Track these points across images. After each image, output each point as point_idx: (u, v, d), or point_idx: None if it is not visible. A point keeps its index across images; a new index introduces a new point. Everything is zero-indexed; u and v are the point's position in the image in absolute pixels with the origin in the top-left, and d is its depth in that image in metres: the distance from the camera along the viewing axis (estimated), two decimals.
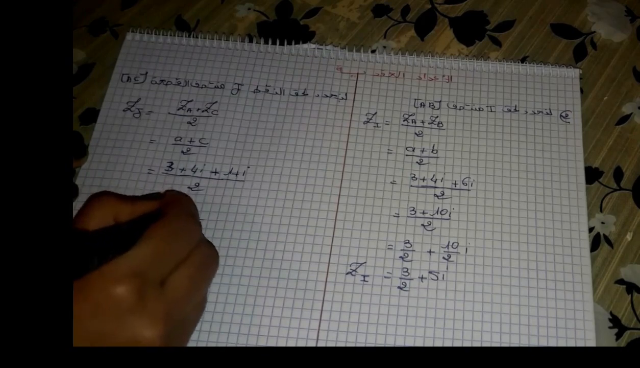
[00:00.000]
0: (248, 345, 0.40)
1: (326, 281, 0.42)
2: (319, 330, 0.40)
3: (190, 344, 0.40)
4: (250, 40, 0.52)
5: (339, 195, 0.45)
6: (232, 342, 0.40)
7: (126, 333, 0.31)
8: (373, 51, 0.52)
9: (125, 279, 0.31)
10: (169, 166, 0.46)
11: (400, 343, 0.40)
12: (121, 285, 0.31)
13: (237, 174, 0.46)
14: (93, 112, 0.49)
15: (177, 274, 0.33)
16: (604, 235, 0.45)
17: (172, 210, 0.35)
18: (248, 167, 0.46)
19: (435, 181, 0.46)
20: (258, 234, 0.43)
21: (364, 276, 0.42)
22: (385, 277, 0.42)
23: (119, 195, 0.37)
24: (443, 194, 0.45)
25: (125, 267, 0.31)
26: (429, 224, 0.44)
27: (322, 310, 0.41)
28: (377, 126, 0.48)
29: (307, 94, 0.49)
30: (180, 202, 0.37)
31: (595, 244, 0.44)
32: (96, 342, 0.31)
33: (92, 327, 0.31)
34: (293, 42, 0.52)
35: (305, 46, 0.52)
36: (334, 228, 0.44)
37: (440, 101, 0.49)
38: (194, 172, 0.46)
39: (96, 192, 0.37)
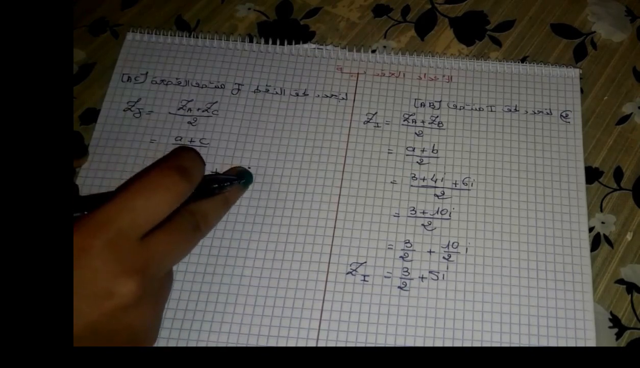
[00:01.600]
0: (248, 345, 0.40)
1: (326, 281, 0.42)
2: (319, 329, 0.40)
3: (190, 344, 0.40)
4: (251, 40, 0.52)
5: (339, 195, 0.45)
6: (232, 342, 0.40)
7: (100, 284, 0.31)
8: (373, 51, 0.52)
9: (93, 229, 0.31)
10: None
11: (400, 343, 0.40)
12: (89, 235, 0.31)
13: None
14: (93, 112, 0.49)
15: (158, 232, 0.33)
16: (604, 234, 0.45)
17: (158, 163, 0.35)
18: (248, 167, 0.46)
19: (435, 181, 0.46)
20: (258, 234, 0.43)
21: (364, 276, 0.42)
22: (385, 277, 0.42)
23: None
24: (443, 194, 0.45)
25: (95, 218, 0.31)
26: (429, 224, 0.44)
27: (322, 310, 0.41)
28: (378, 126, 0.48)
29: (307, 94, 0.49)
30: (173, 154, 0.36)
31: (595, 244, 0.44)
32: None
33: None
34: (293, 42, 0.52)
35: (306, 45, 0.52)
36: (334, 227, 0.44)
37: (440, 101, 0.49)
38: None
39: None
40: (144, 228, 0.33)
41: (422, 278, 0.42)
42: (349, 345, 0.40)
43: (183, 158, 0.36)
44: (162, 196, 0.33)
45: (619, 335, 0.41)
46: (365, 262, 0.43)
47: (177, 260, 0.36)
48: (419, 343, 0.40)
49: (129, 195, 0.32)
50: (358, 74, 0.50)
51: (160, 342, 0.40)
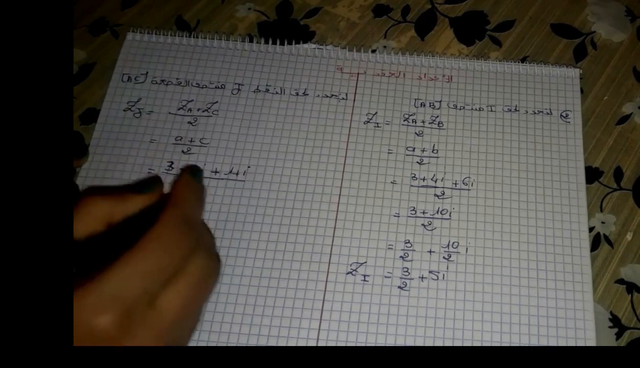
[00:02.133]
0: (248, 345, 0.40)
1: (326, 281, 0.42)
2: (319, 329, 0.40)
3: (191, 344, 0.40)
4: (251, 40, 0.52)
5: (340, 195, 0.45)
6: (233, 341, 0.40)
7: None
8: (373, 51, 0.52)
9: (104, 307, 0.27)
10: (170, 166, 0.46)
11: (400, 343, 0.40)
12: (100, 316, 0.27)
13: (237, 174, 0.46)
14: (93, 112, 0.49)
15: (169, 291, 0.29)
16: (604, 234, 0.45)
17: (165, 215, 0.30)
18: (248, 167, 0.46)
19: (435, 181, 0.46)
20: (258, 234, 0.43)
21: (364, 276, 0.42)
22: (385, 277, 0.42)
23: (108, 193, 0.31)
24: (443, 194, 0.45)
25: (104, 292, 0.27)
26: (429, 224, 0.44)
27: (322, 310, 0.41)
28: (378, 126, 0.48)
29: (307, 94, 0.49)
30: (178, 201, 0.31)
31: (595, 244, 0.44)
32: None
33: None
34: (293, 42, 0.52)
35: (306, 45, 0.52)
36: (335, 227, 0.44)
37: (440, 101, 0.49)
38: None
39: (83, 190, 0.32)
40: (156, 292, 0.29)
41: (422, 278, 0.42)
42: (349, 344, 0.40)
43: (187, 201, 0.31)
44: (174, 253, 0.29)
45: (619, 335, 0.41)
46: (366, 262, 0.43)
47: (192, 313, 0.31)
48: (419, 343, 0.40)
49: (138, 258, 0.28)
50: (358, 74, 0.50)
51: None
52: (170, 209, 0.30)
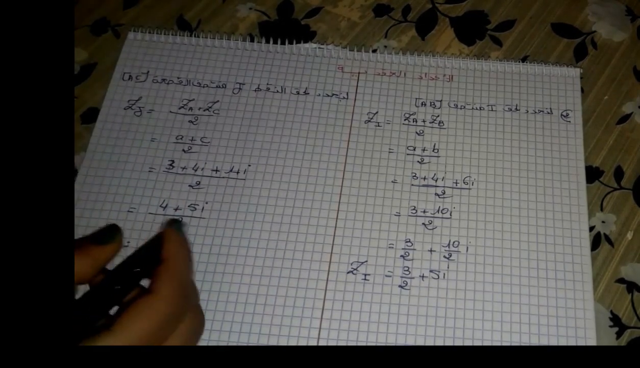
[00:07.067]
0: (248, 345, 0.40)
1: (327, 280, 0.42)
2: (320, 329, 0.40)
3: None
4: (252, 40, 0.52)
5: (340, 194, 0.45)
6: (233, 341, 0.40)
7: None
8: (374, 51, 0.52)
9: None
10: (170, 165, 0.46)
11: (401, 342, 0.40)
12: None
13: (238, 173, 0.46)
14: (95, 112, 0.49)
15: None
16: (605, 234, 0.45)
17: (163, 287, 0.30)
18: (249, 165, 0.46)
19: (436, 180, 0.46)
20: (259, 232, 0.43)
21: (365, 275, 0.42)
22: (386, 276, 0.42)
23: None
24: (444, 193, 0.45)
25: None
26: (430, 223, 0.44)
27: (323, 309, 0.41)
28: (378, 126, 0.48)
29: (308, 94, 0.49)
30: (174, 268, 0.30)
31: (595, 243, 0.44)
32: None
33: None
34: (294, 42, 0.52)
35: (307, 45, 0.52)
36: (335, 227, 0.44)
37: (441, 100, 0.49)
38: (195, 170, 0.46)
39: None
40: None
41: (423, 277, 0.42)
42: (349, 344, 0.40)
43: (186, 266, 0.32)
44: (176, 318, 0.30)
45: (619, 334, 0.41)
46: (366, 261, 0.43)
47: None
48: (420, 342, 0.40)
49: (142, 327, 0.29)
50: (359, 73, 0.50)
51: None
52: (168, 281, 0.30)
